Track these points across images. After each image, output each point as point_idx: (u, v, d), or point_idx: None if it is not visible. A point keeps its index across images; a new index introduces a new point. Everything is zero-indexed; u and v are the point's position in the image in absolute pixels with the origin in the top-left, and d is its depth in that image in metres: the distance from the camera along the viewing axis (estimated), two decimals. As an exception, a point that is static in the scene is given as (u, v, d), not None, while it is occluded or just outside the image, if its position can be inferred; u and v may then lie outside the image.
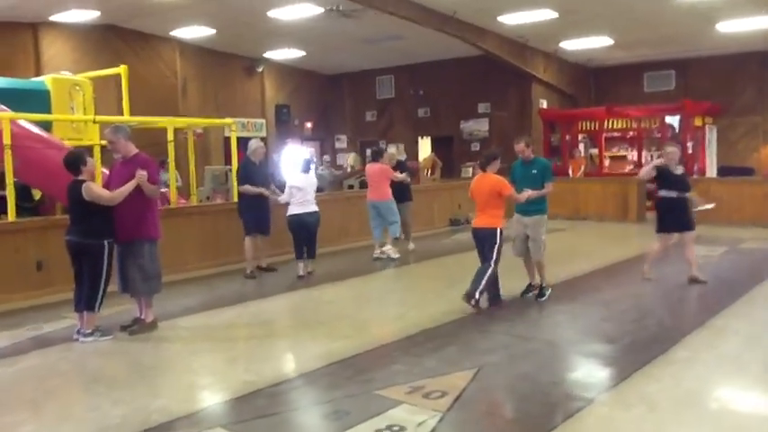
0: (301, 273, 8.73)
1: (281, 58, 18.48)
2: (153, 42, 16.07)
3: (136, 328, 6.16)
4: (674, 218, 7.60)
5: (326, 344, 5.66)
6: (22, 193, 9.63)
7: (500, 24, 14.39)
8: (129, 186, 5.86)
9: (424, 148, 19.40)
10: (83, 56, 14.56)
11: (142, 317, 6.25)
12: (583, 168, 16.61)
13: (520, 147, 7.11)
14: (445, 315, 6.47)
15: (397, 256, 9.97)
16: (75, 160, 5.92)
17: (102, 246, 5.84)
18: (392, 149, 10.93)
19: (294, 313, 7.12)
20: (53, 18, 13.70)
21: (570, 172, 16.30)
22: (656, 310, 6.61)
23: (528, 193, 6.79)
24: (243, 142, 18.28)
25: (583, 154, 17.26)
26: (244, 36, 16.09)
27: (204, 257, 9.54)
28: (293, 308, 7.36)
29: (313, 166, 8.95)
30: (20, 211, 8.60)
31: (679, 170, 7.78)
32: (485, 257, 6.68)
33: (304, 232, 8.72)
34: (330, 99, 20.72)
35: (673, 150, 7.72)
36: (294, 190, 8.65)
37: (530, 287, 7.23)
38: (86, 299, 5.85)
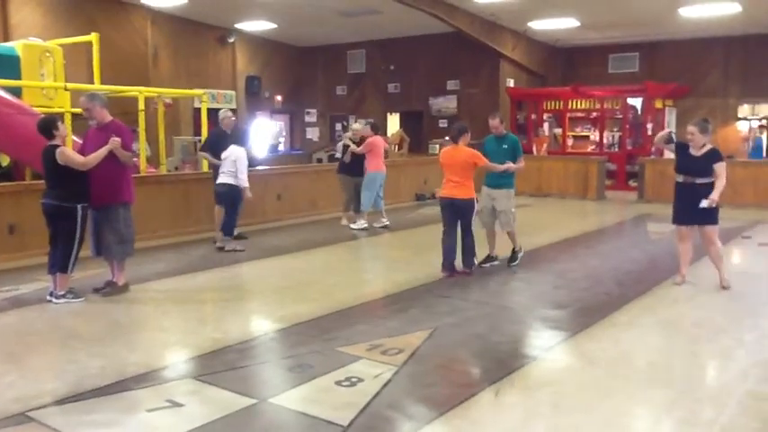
0: (218, 243, 8.61)
1: (253, 30, 18.48)
2: (125, 9, 15.96)
3: (109, 290, 6.39)
4: (684, 207, 6.46)
5: (294, 306, 5.97)
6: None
7: (472, 2, 14.64)
8: (103, 152, 6.03)
9: (393, 123, 19.67)
10: (53, 22, 14.42)
11: (114, 280, 6.48)
12: (546, 146, 17.07)
13: (495, 122, 7.53)
14: (409, 282, 6.83)
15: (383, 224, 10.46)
16: (48, 125, 6.07)
17: (75, 209, 6.02)
18: (357, 125, 11.11)
19: (262, 279, 7.38)
20: (22, -18, 13.58)
21: (534, 150, 16.73)
22: (606, 281, 7.02)
23: (508, 164, 7.24)
24: (213, 114, 18.57)
25: (547, 133, 17.70)
26: (216, 5, 16.06)
27: (175, 225, 9.73)
28: (262, 274, 7.62)
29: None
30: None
31: (701, 151, 6.37)
32: (455, 227, 7.03)
33: (219, 202, 8.64)
34: (302, 72, 20.80)
35: (691, 130, 6.34)
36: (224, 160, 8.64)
37: (489, 257, 7.61)
38: (60, 261, 6.05)
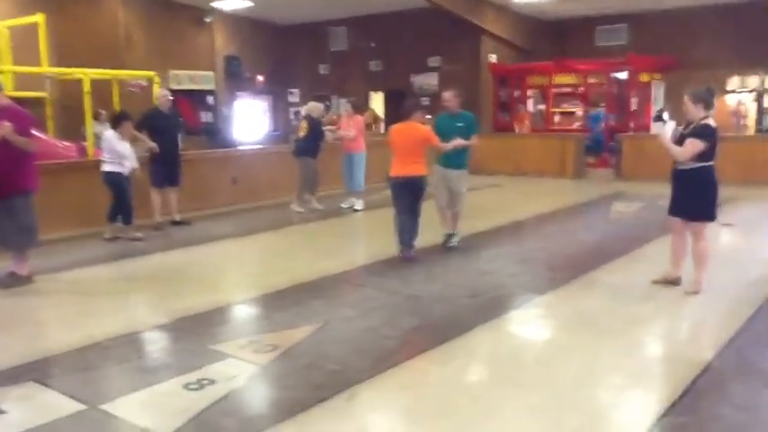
0: (107, 235, 8.07)
1: (230, 8, 18.04)
2: (95, -9, 15.63)
3: (8, 281, 6.10)
4: (672, 196, 5.56)
5: (192, 298, 5.64)
6: None
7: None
8: (-10, 138, 5.72)
9: (377, 102, 19.20)
10: (19, 2, 14.10)
11: (16, 270, 6.19)
12: (527, 123, 16.53)
13: (447, 95, 7.03)
14: (330, 270, 6.47)
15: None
16: (-64, 111, 5.77)
17: (-34, 198, 5.74)
18: (313, 104, 10.76)
19: (177, 268, 6.98)
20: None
21: (516, 128, 16.23)
22: (539, 266, 6.63)
23: (456, 141, 6.81)
24: (196, 96, 18.26)
25: (531, 109, 17.15)
26: (188, -16, 15.69)
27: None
28: (180, 263, 7.23)
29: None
30: None
31: (690, 127, 5.37)
32: (411, 207, 6.69)
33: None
34: (283, 51, 20.34)
35: (684, 99, 5.37)
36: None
37: (450, 236, 7.34)
38: (-48, 252, 5.79)
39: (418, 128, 6.70)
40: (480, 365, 4.28)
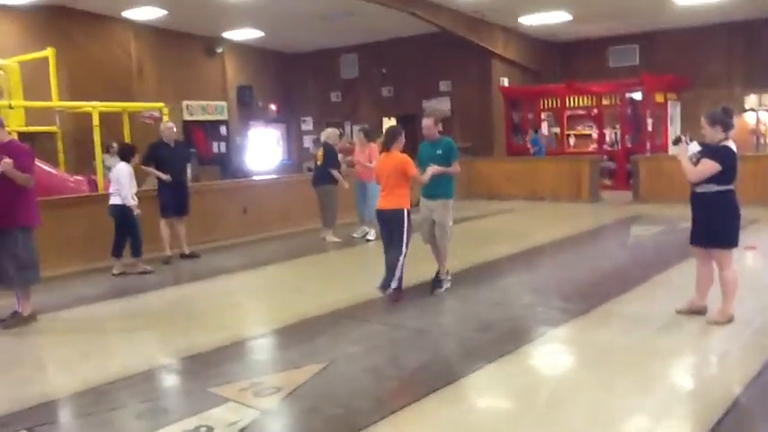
0: (115, 271, 7.98)
1: (241, 39, 18.14)
2: (106, 23, 15.74)
3: (11, 321, 5.99)
4: (693, 222, 5.33)
5: (195, 337, 5.49)
6: None
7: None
8: (-11, 174, 5.64)
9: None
10: (30, 38, 14.21)
11: (19, 310, 6.08)
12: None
13: (427, 123, 6.58)
14: (337, 303, 6.29)
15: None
16: (-61, 148, 5.73)
17: (-34, 236, 5.66)
18: (331, 130, 10.60)
19: (183, 304, 6.86)
20: (-3, 0, 13.40)
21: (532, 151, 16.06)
22: (553, 297, 6.37)
23: (432, 169, 6.36)
24: (209, 126, 18.31)
25: (546, 132, 16.98)
26: (198, 16, 15.75)
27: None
28: (186, 298, 7.12)
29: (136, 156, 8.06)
30: None
31: (702, 147, 5.21)
32: (392, 243, 6.34)
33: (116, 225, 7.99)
34: (294, 79, 20.40)
35: (702, 122, 5.16)
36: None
37: (437, 279, 6.79)
38: (-48, 291, 5.70)
39: (395, 157, 6.34)
40: (491, 406, 4.05)
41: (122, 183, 7.77)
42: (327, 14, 15.01)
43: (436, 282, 6.64)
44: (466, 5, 14.62)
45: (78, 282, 7.81)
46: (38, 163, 9.37)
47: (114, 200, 7.88)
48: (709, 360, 4.75)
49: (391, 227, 6.34)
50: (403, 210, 6.27)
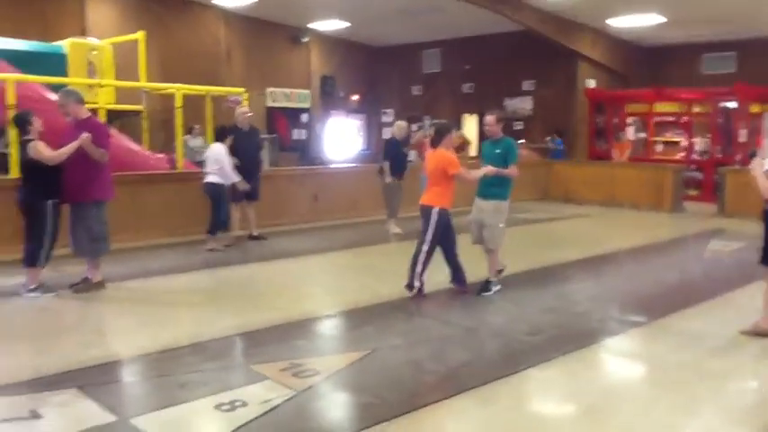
0: (209, 247, 8.35)
1: (326, 29, 18.41)
2: (196, 10, 16.36)
3: (81, 286, 6.34)
4: (766, 241, 5.23)
5: (250, 315, 5.64)
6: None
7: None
8: (71, 147, 5.96)
9: (470, 124, 18.94)
10: (126, 21, 14.93)
11: (89, 276, 6.42)
12: (628, 152, 15.75)
13: (489, 119, 6.43)
14: (390, 295, 6.29)
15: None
16: (23, 120, 6.10)
17: (45, 205, 6.00)
18: (400, 123, 10.59)
19: (243, 283, 7.06)
20: (98, -15, 14.14)
21: (614, 155, 15.51)
22: (609, 306, 6.17)
23: (486, 169, 6.24)
24: (290, 113, 18.71)
25: (631, 137, 16.39)
26: (286, 6, 16.12)
27: (199, 222, 9.59)
28: (247, 278, 7.32)
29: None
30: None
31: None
32: (420, 239, 6.27)
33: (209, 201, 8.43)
34: (376, 72, 20.53)
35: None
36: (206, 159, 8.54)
37: (487, 283, 6.56)
38: (30, 255, 6.06)
39: (439, 154, 6.26)
40: (523, 411, 3.97)
41: (224, 162, 8.22)
42: (412, 10, 15.00)
43: (484, 285, 6.47)
44: (554, 5, 14.28)
45: (150, 254, 8.16)
46: (123, 140, 9.94)
47: (212, 178, 8.27)
48: (760, 386, 4.48)
49: (425, 223, 6.27)
50: (436, 207, 6.20)
